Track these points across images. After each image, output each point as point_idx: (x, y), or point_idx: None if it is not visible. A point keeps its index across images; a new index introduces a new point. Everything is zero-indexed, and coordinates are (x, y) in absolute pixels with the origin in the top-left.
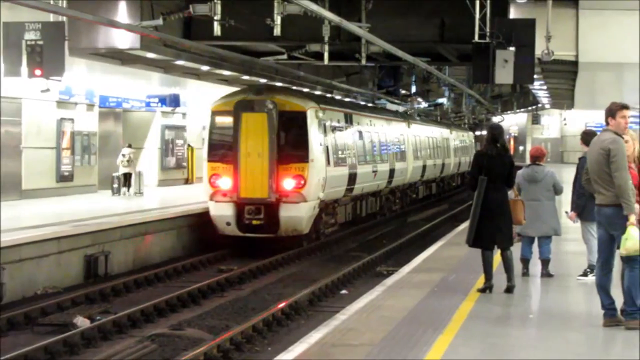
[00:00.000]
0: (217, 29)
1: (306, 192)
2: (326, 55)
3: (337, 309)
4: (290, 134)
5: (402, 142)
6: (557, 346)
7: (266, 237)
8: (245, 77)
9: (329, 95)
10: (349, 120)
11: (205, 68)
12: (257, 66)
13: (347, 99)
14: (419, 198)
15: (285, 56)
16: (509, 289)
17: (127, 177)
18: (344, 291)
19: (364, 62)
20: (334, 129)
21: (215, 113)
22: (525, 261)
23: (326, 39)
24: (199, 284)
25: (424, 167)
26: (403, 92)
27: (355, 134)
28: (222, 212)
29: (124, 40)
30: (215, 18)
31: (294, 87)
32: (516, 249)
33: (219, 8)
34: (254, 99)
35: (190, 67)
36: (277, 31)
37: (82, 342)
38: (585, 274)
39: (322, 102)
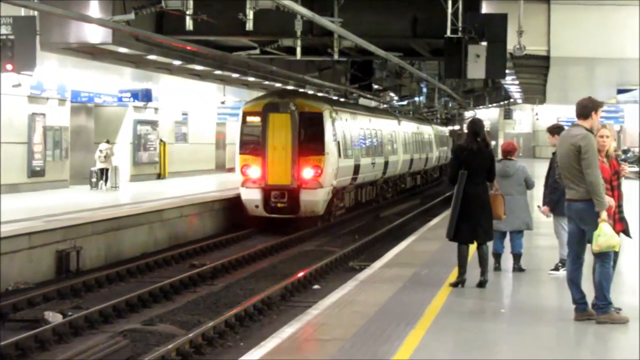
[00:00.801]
0: (189, 24)
1: (322, 180)
2: (299, 50)
3: (309, 304)
4: (309, 131)
5: (394, 137)
6: (529, 340)
7: (288, 218)
8: (218, 72)
9: (342, 99)
10: (354, 118)
11: (177, 63)
12: (230, 61)
13: (351, 101)
14: (406, 188)
15: (257, 51)
16: (482, 284)
17: (103, 172)
18: (316, 286)
19: (336, 56)
20: (343, 126)
21: (246, 113)
22: (497, 256)
23: (298, 33)
24: (171, 279)
25: (412, 160)
26: (376, 87)
27: (359, 130)
28: (252, 196)
29: (95, 35)
30: (188, 13)
31: (315, 92)
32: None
33: (191, 3)
34: (279, 101)
35: (162, 62)
36: (249, 26)
37: (54, 338)
38: (556, 269)
39: (334, 105)
